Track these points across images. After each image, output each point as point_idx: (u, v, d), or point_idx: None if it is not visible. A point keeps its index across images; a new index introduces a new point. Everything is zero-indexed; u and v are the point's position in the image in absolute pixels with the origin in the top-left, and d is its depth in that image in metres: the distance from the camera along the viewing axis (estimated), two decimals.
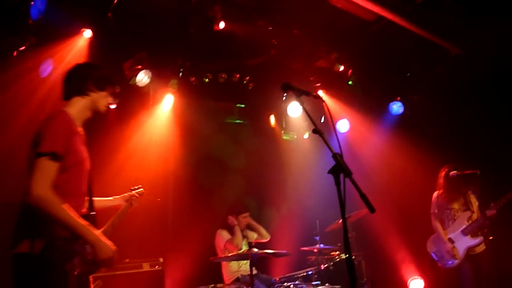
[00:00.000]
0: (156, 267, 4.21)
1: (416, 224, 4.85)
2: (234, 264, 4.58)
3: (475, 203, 4.51)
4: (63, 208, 2.06)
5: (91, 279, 2.32)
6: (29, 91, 4.07)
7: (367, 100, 6.51)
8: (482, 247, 4.34)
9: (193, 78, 5.42)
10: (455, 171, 4.24)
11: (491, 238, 3.64)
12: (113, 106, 5.18)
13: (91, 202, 2.43)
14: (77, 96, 2.38)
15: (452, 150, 5.58)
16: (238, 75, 5.62)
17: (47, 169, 2.05)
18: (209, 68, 5.44)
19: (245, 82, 5.73)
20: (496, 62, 5.33)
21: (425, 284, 6.03)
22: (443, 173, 4.60)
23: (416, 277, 6.16)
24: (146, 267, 4.14)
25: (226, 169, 5.81)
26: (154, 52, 4.89)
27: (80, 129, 2.37)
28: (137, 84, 5.20)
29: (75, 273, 2.10)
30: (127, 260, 4.10)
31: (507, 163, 5.18)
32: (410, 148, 6.15)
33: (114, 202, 2.89)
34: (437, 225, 4.52)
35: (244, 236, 4.77)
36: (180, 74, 5.33)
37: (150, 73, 5.08)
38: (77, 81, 2.39)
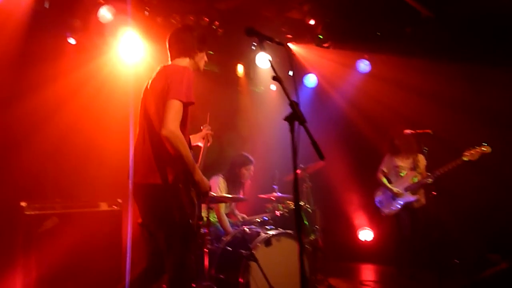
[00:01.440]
0: (114, 207, 4.22)
1: (371, 179, 5.10)
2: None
3: (422, 164, 4.84)
4: (187, 146, 2.40)
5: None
6: None
7: (336, 56, 6.52)
8: (421, 203, 4.81)
9: (160, 18, 5.21)
10: (409, 130, 4.45)
11: (434, 193, 3.93)
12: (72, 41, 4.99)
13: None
14: (183, 56, 2.68)
15: (414, 111, 5.78)
16: (207, 19, 5.44)
17: (179, 111, 2.39)
18: (177, 9, 5.22)
19: (214, 27, 5.57)
20: (464, 25, 5.43)
21: (374, 234, 6.45)
22: (394, 134, 4.87)
23: (366, 227, 6.56)
24: (103, 206, 4.15)
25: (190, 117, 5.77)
26: None
27: None
28: (100, 20, 4.96)
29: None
30: (85, 199, 4.10)
31: (463, 127, 5.46)
32: (373, 107, 6.31)
33: (194, 140, 3.11)
34: (381, 177, 4.99)
35: (240, 188, 4.77)
36: (146, 13, 5.10)
37: (113, 10, 4.83)
38: (182, 43, 2.68)
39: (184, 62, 2.68)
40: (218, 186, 4.58)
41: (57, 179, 4.50)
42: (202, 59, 2.78)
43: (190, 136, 2.99)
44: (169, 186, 2.42)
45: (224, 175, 4.68)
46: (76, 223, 3.98)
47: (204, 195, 2.54)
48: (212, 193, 3.88)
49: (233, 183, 4.64)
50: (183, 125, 2.45)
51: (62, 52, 4.80)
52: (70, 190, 4.39)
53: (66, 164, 4.58)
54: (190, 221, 2.45)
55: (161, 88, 2.47)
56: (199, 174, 2.49)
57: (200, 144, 3.13)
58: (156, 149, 2.46)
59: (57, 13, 4.66)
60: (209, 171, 4.75)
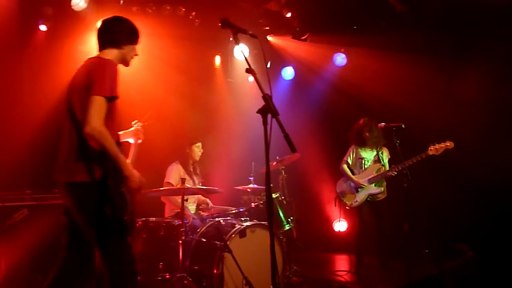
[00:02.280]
0: None
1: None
2: (176, 202, 4.50)
3: (386, 157, 5.01)
4: (112, 142, 2.36)
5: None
6: None
7: (313, 49, 6.57)
8: (383, 195, 4.95)
9: (136, 8, 5.12)
10: (383, 123, 4.52)
11: (405, 185, 4.03)
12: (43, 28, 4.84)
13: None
14: (110, 47, 2.60)
15: (386, 104, 5.89)
16: (183, 9, 5.38)
17: (103, 107, 2.34)
18: None
19: (191, 17, 5.51)
20: (437, 20, 5.56)
21: (348, 225, 6.57)
22: (363, 126, 4.96)
23: (341, 219, 6.68)
24: None
25: (165, 107, 5.71)
26: None
27: None
28: (73, 8, 4.84)
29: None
30: (56, 190, 4.02)
31: (433, 119, 5.61)
32: (348, 100, 6.40)
33: (123, 137, 2.94)
34: (345, 168, 5.04)
35: (194, 171, 4.79)
36: (121, 1, 5.01)
37: None
38: (111, 34, 2.60)
39: (111, 53, 2.60)
40: (173, 172, 4.64)
41: (28, 170, 4.41)
42: (131, 52, 2.69)
43: (121, 132, 2.92)
44: (97, 183, 2.38)
45: (180, 161, 4.77)
46: (46, 215, 3.90)
47: (135, 191, 2.49)
48: (187, 185, 3.88)
49: (187, 165, 4.74)
50: (110, 120, 2.42)
51: (33, 39, 4.67)
52: (41, 182, 4.30)
53: (39, 154, 4.48)
54: (122, 216, 2.42)
55: (84, 83, 2.42)
56: (128, 170, 2.44)
57: (131, 140, 3.01)
58: (83, 146, 2.40)
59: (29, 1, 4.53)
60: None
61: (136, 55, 2.73)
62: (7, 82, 4.40)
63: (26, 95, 4.53)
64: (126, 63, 2.71)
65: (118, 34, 2.62)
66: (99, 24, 2.65)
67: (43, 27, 4.78)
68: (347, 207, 5.05)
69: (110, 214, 2.36)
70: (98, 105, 2.33)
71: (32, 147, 4.54)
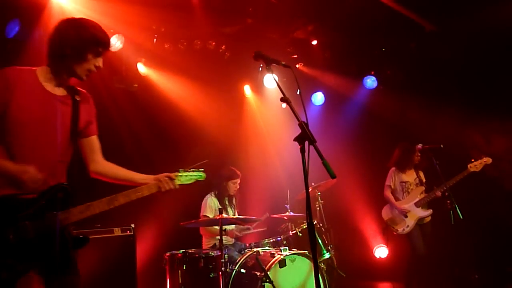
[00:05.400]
0: (128, 232, 4.24)
1: (383, 195, 5.05)
2: (215, 231, 4.49)
3: (424, 179, 4.90)
4: None
5: None
6: None
7: (342, 73, 6.58)
8: (429, 218, 4.80)
9: (168, 45, 5.34)
10: (420, 145, 4.45)
11: (453, 205, 3.93)
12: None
13: (72, 171, 2.25)
14: (55, 61, 2.17)
15: (421, 126, 5.77)
16: (214, 43, 5.56)
17: None
18: (184, 35, 5.35)
19: (221, 50, 5.68)
20: (469, 40, 5.45)
21: (389, 251, 6.34)
22: (402, 149, 4.87)
23: (381, 245, 6.47)
24: (117, 232, 4.17)
25: (200, 138, 5.83)
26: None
27: (58, 90, 2.20)
28: (110, 49, 5.09)
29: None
30: (98, 224, 4.13)
31: (473, 139, 5.43)
32: (382, 122, 6.32)
33: (142, 180, 2.37)
34: (389, 196, 4.91)
35: (230, 203, 4.80)
36: (154, 40, 5.24)
37: (122, 38, 4.97)
38: (53, 44, 2.15)
39: (53, 68, 2.17)
40: (209, 205, 4.63)
41: None
42: (80, 64, 2.15)
43: (146, 176, 2.39)
44: None
45: (214, 193, 4.74)
46: (90, 249, 3.99)
47: (25, 186, 1.99)
48: (224, 214, 3.88)
49: (222, 197, 4.70)
50: (11, 144, 2.03)
51: None
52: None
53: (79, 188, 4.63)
54: None
55: None
56: (2, 166, 2.00)
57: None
58: None
59: None
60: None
61: (97, 66, 2.20)
62: None
63: None
64: (77, 77, 2.20)
65: (60, 45, 2.13)
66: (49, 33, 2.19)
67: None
68: (395, 234, 4.87)
69: None
70: None
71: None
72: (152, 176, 2.40)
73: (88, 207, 2.18)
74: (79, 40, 2.13)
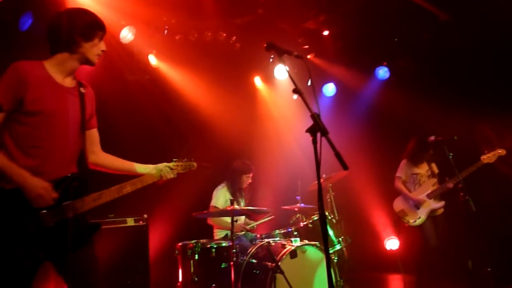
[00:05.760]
0: (140, 222, 4.29)
1: (393, 187, 5.01)
2: (225, 222, 4.57)
3: (436, 170, 4.84)
4: None
5: None
6: None
7: (354, 64, 6.52)
8: (441, 210, 4.75)
9: (178, 36, 5.34)
10: (433, 136, 4.39)
11: (467, 197, 3.89)
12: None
13: (80, 161, 2.32)
14: (59, 53, 2.22)
15: (434, 116, 5.69)
16: (224, 34, 5.54)
17: None
18: (195, 26, 5.34)
19: (231, 41, 5.66)
20: (483, 29, 5.34)
21: (400, 243, 6.31)
22: (417, 142, 4.81)
23: (392, 237, 6.44)
24: (130, 222, 4.23)
25: (211, 128, 5.84)
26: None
27: (67, 81, 2.26)
28: (121, 41, 5.12)
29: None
30: (111, 215, 4.19)
31: (485, 130, 5.35)
32: (393, 113, 6.25)
33: (145, 170, 2.50)
34: (401, 187, 4.85)
35: (240, 195, 4.82)
36: (165, 31, 5.24)
37: (134, 30, 4.98)
38: (60, 34, 2.19)
39: (62, 57, 2.21)
40: (218, 196, 4.66)
41: None
42: (90, 49, 2.24)
43: (147, 165, 2.51)
44: None
45: (227, 184, 4.77)
46: (103, 238, 4.05)
47: (33, 200, 2.03)
48: (236, 206, 3.91)
49: (235, 190, 4.73)
50: (25, 135, 2.09)
51: None
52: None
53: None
54: (6, 250, 1.97)
55: None
56: (17, 176, 2.02)
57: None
58: None
59: None
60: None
61: (103, 50, 2.30)
62: None
63: None
64: (89, 63, 2.28)
65: (64, 35, 2.18)
66: (49, 24, 2.24)
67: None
68: (407, 225, 4.82)
69: None
70: None
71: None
72: (151, 166, 2.53)
73: (100, 195, 2.27)
74: (86, 26, 2.22)
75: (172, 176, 2.56)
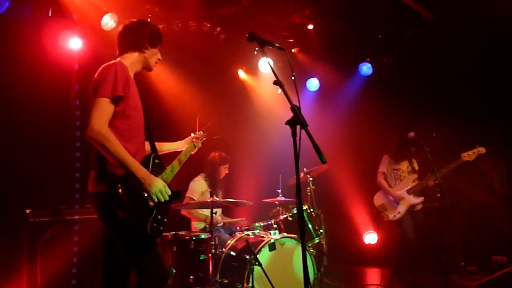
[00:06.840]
0: None
1: (374, 181, 5.08)
2: (198, 215, 4.60)
3: (416, 167, 4.92)
4: (117, 143, 2.24)
5: None
6: None
7: (338, 59, 6.54)
8: (420, 205, 4.84)
9: (162, 25, 5.24)
10: (412, 132, 4.45)
11: (438, 195, 3.96)
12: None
13: (152, 144, 2.65)
14: (132, 51, 2.54)
15: (415, 113, 5.77)
16: (209, 25, 5.48)
17: (105, 108, 2.27)
18: (179, 16, 5.26)
19: (216, 32, 5.60)
20: (465, 28, 5.42)
21: (378, 237, 6.42)
22: (398, 138, 4.88)
23: (371, 231, 6.54)
24: None
25: (193, 119, 5.77)
26: None
27: (132, 79, 2.52)
28: (103, 27, 5.00)
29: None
30: (89, 205, 4.12)
31: (465, 128, 5.45)
32: (375, 109, 6.31)
33: (178, 146, 3.02)
34: (383, 182, 4.93)
35: (218, 187, 4.84)
36: (148, 19, 5.13)
37: (116, 17, 4.88)
38: (133, 37, 2.54)
39: (132, 57, 2.54)
40: (195, 187, 4.69)
41: (62, 186, 4.53)
42: (153, 56, 2.61)
43: (177, 142, 3.02)
44: (109, 191, 2.26)
45: (204, 176, 4.80)
46: (80, 229, 3.99)
47: (151, 193, 2.29)
48: (216, 197, 3.89)
49: (212, 181, 4.77)
50: (127, 128, 2.37)
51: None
52: (74, 197, 4.41)
53: (71, 170, 4.61)
54: (141, 226, 2.25)
55: (93, 89, 2.37)
56: (140, 171, 2.27)
57: (183, 149, 2.95)
58: (100, 155, 2.31)
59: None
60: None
61: (159, 59, 2.67)
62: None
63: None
64: (149, 68, 2.65)
65: (140, 37, 2.54)
66: (120, 27, 2.60)
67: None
68: (386, 220, 4.90)
69: (123, 225, 2.24)
70: (99, 107, 2.25)
71: (65, 163, 4.66)
72: (182, 142, 3.07)
73: (172, 167, 2.67)
74: (152, 35, 2.60)
75: (199, 145, 3.10)
